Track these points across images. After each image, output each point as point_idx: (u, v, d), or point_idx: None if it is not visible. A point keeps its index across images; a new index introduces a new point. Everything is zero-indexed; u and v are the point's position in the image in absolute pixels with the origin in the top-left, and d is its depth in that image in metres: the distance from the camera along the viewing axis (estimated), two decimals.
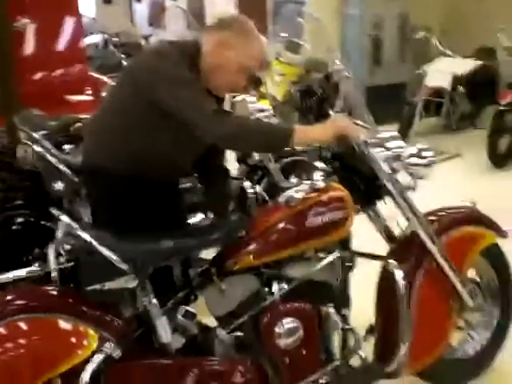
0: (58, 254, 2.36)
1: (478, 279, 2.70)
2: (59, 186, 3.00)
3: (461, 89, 6.50)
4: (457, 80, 6.38)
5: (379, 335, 2.37)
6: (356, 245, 2.40)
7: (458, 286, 2.46)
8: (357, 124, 2.22)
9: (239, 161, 3.81)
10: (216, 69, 2.19)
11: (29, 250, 3.06)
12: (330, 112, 2.29)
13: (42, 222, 3.08)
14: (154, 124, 2.16)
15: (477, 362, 2.72)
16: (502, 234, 2.66)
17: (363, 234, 2.46)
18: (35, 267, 2.93)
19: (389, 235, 2.51)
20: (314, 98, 2.74)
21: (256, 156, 3.64)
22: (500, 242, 2.68)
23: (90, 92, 6.11)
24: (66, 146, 3.44)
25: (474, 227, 2.58)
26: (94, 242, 1.91)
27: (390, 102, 6.70)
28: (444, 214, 2.60)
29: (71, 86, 6.24)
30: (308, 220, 2.15)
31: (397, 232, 2.51)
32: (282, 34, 7.02)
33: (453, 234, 2.52)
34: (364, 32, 7.93)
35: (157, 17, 11.28)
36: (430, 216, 2.55)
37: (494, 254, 2.67)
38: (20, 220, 3.09)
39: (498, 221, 2.65)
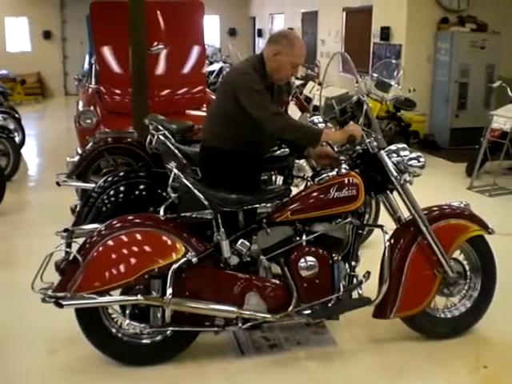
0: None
1: (465, 261, 3.57)
2: (172, 164, 4.17)
3: None
4: None
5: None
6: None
7: (442, 260, 3.36)
8: (364, 130, 3.25)
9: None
10: (276, 69, 3.34)
11: (146, 209, 4.23)
12: (350, 122, 3.37)
13: (159, 191, 4.26)
14: (242, 116, 3.25)
15: (453, 324, 3.55)
16: (488, 230, 3.53)
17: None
18: None
19: (397, 218, 3.47)
20: (347, 113, 3.69)
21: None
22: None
23: (206, 109, 7.30)
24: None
25: (462, 220, 3.47)
26: (190, 185, 3.07)
27: (471, 144, 7.43)
28: (441, 208, 3.52)
29: (191, 102, 7.53)
30: (330, 194, 3.18)
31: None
32: (374, 74, 8.05)
33: (445, 223, 3.43)
34: (452, 78, 8.82)
35: None
36: (431, 208, 3.49)
37: (478, 244, 3.53)
38: (141, 187, 4.28)
39: None
